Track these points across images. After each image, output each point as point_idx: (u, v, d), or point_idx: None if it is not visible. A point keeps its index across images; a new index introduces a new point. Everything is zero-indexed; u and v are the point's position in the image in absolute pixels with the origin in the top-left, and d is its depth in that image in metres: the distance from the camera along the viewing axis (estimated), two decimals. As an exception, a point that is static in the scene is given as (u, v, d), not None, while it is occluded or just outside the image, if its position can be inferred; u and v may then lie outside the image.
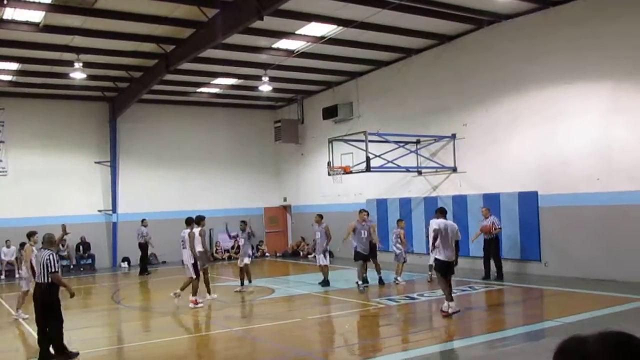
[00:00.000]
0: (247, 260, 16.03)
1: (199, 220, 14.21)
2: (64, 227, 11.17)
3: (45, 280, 8.87)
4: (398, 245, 15.90)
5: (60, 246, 23.02)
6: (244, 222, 16.62)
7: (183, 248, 13.94)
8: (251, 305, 14.16)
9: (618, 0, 14.06)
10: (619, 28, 13.96)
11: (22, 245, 14.27)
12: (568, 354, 1.33)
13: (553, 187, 15.60)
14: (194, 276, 13.59)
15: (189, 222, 14.19)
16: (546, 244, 15.93)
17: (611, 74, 14.19)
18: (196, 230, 13.90)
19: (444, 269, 11.32)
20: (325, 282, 16.05)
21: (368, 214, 16.29)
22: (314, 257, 17.69)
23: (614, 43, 14.02)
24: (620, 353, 1.28)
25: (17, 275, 15.22)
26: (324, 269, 16.18)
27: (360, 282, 15.37)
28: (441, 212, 11.70)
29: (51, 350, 8.90)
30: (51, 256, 8.95)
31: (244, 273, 16.01)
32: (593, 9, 14.49)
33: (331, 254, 17.20)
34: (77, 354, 9.06)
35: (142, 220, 21.81)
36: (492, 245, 15.90)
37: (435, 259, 11.36)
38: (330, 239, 16.29)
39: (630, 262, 13.72)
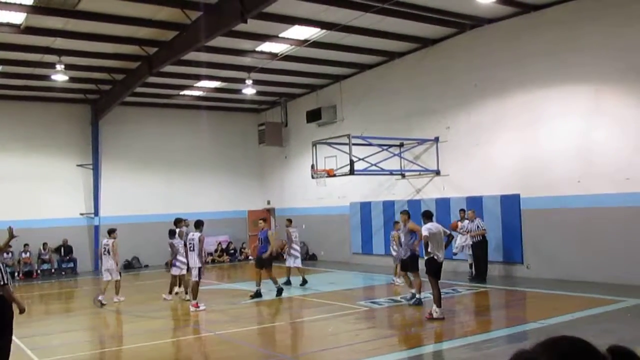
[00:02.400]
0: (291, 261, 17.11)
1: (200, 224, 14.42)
2: (10, 229, 9.78)
3: None
4: (394, 246, 15.88)
5: (42, 249, 22.83)
6: (289, 220, 17.90)
7: (191, 251, 13.88)
8: (235, 309, 14.11)
9: (599, 4, 14.21)
10: (600, 31, 14.13)
11: None
12: None
13: (535, 189, 15.73)
14: (198, 279, 13.58)
15: (199, 225, 14.12)
16: (528, 246, 16.05)
17: (592, 77, 14.35)
18: (198, 234, 13.88)
19: (438, 272, 11.37)
20: (288, 282, 16.83)
21: (409, 216, 13.20)
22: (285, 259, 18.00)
23: (595, 46, 14.19)
24: (560, 351, 1.33)
25: None
26: (303, 271, 17.07)
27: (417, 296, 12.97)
28: (427, 217, 11.73)
29: None
30: None
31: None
32: (574, 12, 14.65)
33: (314, 257, 17.25)
34: None
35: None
36: (479, 248, 15.97)
37: (429, 262, 11.34)
38: (285, 243, 17.48)
39: (611, 264, 13.87)
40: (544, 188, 15.49)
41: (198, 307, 13.33)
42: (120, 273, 15.74)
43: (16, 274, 22.18)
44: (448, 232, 11.89)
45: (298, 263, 17.12)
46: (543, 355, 1.32)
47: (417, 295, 12.79)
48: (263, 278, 14.95)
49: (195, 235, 13.80)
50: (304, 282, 16.73)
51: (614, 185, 13.91)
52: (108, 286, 15.04)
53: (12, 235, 9.67)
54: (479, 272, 16.00)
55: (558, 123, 15.14)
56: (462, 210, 16.86)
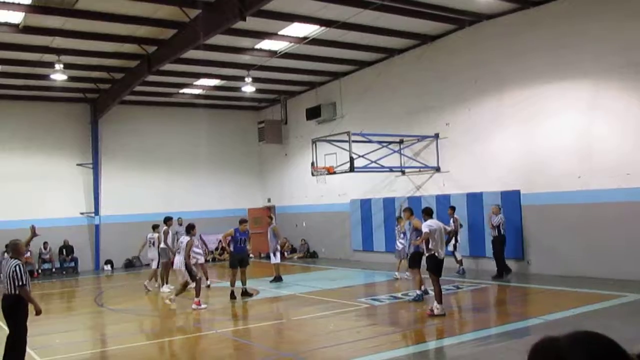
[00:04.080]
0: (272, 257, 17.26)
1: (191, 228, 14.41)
2: (32, 228, 9.76)
3: (13, 292, 8.08)
4: (400, 241, 15.87)
5: (42, 248, 22.82)
6: (270, 217, 18.31)
7: (178, 253, 14.05)
8: (236, 307, 14.11)
9: None
10: (599, 27, 14.11)
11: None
12: (541, 354, 1.35)
13: (535, 185, 15.72)
14: (190, 280, 13.61)
15: (190, 229, 14.13)
16: (529, 242, 16.06)
17: (591, 72, 14.33)
18: (187, 238, 13.91)
19: (439, 268, 11.36)
20: (276, 279, 17.10)
21: (412, 212, 13.02)
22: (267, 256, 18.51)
23: (594, 42, 14.16)
24: (590, 351, 1.31)
25: None
26: (276, 267, 17.25)
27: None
28: (427, 214, 11.69)
29: None
30: (17, 267, 8.10)
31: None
32: (573, 8, 14.63)
33: (315, 254, 17.22)
34: None
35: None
36: (497, 243, 15.62)
37: (430, 259, 11.34)
38: (280, 238, 17.69)
39: (611, 260, 13.87)
40: (544, 184, 15.49)
41: (200, 305, 13.34)
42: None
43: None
44: (449, 228, 11.92)
45: (272, 258, 17.37)
46: (574, 351, 1.30)
47: (418, 292, 12.83)
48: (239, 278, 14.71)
49: (184, 239, 13.97)
50: (278, 279, 17.20)
51: (614, 181, 13.91)
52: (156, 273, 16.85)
53: (34, 234, 9.86)
54: (500, 269, 15.57)
55: (558, 119, 15.13)
56: (451, 207, 16.85)
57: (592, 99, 14.40)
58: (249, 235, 15.17)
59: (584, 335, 1.35)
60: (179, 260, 13.82)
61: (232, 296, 14.40)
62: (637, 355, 1.32)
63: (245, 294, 14.67)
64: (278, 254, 17.32)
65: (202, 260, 16.65)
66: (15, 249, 8.45)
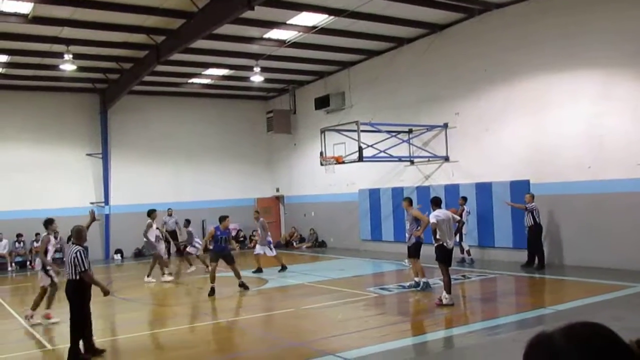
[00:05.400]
0: (268, 251, 17.17)
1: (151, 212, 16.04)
2: (92, 212, 10.02)
3: (74, 277, 8.37)
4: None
5: (53, 238, 22.94)
6: (257, 212, 18.21)
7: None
8: (245, 296, 14.18)
9: (609, -12, 14.08)
10: (609, 15, 13.98)
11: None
12: (536, 351, 1.35)
13: (545, 175, 15.65)
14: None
15: (49, 223, 12.47)
16: (538, 232, 15.99)
17: (602, 62, 14.21)
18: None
19: (448, 258, 11.36)
20: (258, 270, 17.11)
21: (411, 202, 13.20)
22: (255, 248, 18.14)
23: (605, 30, 14.04)
24: (585, 346, 1.30)
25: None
26: (259, 259, 17.29)
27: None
28: (436, 204, 11.66)
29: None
30: (78, 253, 8.33)
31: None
32: (584, -3, 14.51)
33: (324, 244, 17.20)
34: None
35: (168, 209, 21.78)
36: (534, 234, 15.20)
37: (438, 249, 11.33)
38: (267, 231, 17.60)
39: (621, 250, 13.81)
40: (554, 174, 15.42)
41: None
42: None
43: (28, 263, 22.39)
44: (458, 218, 11.90)
45: (269, 252, 17.27)
46: (568, 347, 1.30)
47: (422, 280, 12.84)
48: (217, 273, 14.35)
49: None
50: (259, 270, 17.17)
51: (624, 171, 13.82)
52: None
53: (93, 218, 10.04)
54: (532, 259, 15.20)
55: (568, 108, 15.04)
56: (463, 198, 16.84)
57: (602, 88, 14.29)
58: (230, 233, 14.94)
59: (579, 328, 1.34)
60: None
61: (212, 292, 13.76)
62: (637, 343, 1.32)
63: (243, 286, 14.33)
64: (272, 247, 17.27)
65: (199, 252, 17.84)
66: (77, 235, 8.72)
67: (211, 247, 14.41)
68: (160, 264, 16.95)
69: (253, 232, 26.93)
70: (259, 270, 17.08)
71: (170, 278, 16.90)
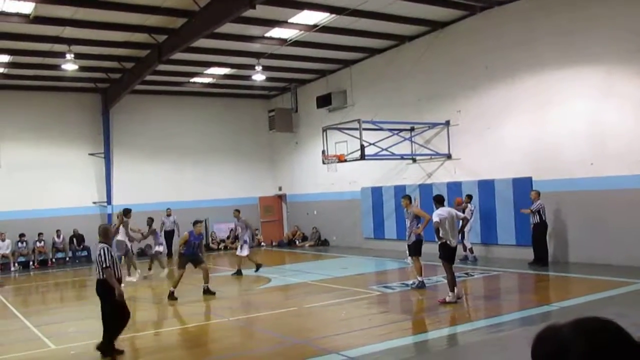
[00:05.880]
0: (245, 251, 16.78)
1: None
2: (120, 214, 10.03)
3: (100, 277, 8.56)
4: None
5: (56, 237, 23.02)
6: (237, 211, 17.49)
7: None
8: (248, 295, 14.18)
9: (611, -16, 14.04)
10: (611, 12, 13.95)
11: None
12: (544, 343, 1.35)
13: (547, 172, 15.63)
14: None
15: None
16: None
17: (604, 58, 14.18)
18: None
19: (451, 256, 11.32)
20: (238, 272, 16.87)
21: (411, 200, 13.52)
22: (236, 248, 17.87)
23: (606, 27, 14.01)
24: (593, 339, 1.29)
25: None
26: (243, 260, 16.96)
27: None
28: (438, 201, 11.58)
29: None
30: (102, 250, 8.50)
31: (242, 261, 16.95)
32: (586, -7, 14.47)
33: (326, 242, 17.23)
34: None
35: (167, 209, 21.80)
36: (538, 231, 15.14)
37: (442, 247, 11.31)
38: (248, 229, 17.33)
39: (624, 246, 13.79)
40: (556, 171, 15.39)
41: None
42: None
43: (31, 263, 22.44)
44: (462, 215, 11.87)
45: (239, 250, 17.12)
46: (577, 340, 1.29)
47: (418, 279, 12.86)
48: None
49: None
50: (258, 267, 17.06)
51: (627, 167, 13.80)
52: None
53: (122, 220, 10.13)
54: (538, 257, 15.16)
55: (570, 105, 15.01)
56: (468, 196, 16.82)
57: (604, 85, 14.27)
58: (203, 238, 14.71)
59: (587, 322, 1.34)
60: None
61: (171, 297, 13.27)
62: None
63: (208, 292, 13.74)
64: (247, 247, 16.92)
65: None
66: (103, 233, 8.89)
67: (183, 252, 13.85)
68: (129, 263, 16.71)
69: (255, 230, 27.01)
70: (238, 272, 16.88)
71: (134, 279, 16.44)
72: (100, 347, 8.64)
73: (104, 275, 8.50)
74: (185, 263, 13.73)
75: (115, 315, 8.67)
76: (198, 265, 13.89)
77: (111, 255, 8.61)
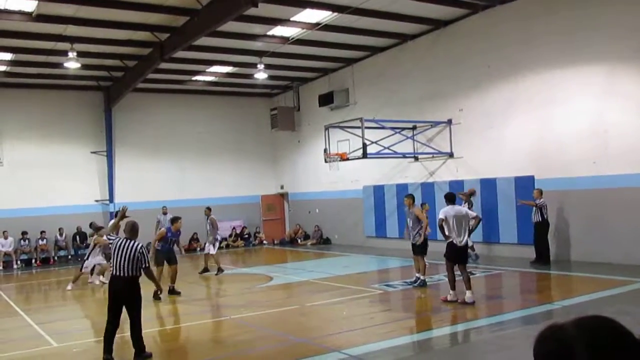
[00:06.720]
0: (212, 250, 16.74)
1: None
2: (124, 209, 9.63)
3: (132, 274, 8.08)
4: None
5: (58, 235, 23.08)
6: (208, 209, 17.73)
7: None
8: (249, 293, 14.19)
9: (613, -18, 14.02)
10: (613, 10, 13.94)
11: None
12: (546, 342, 1.35)
13: (549, 171, 15.62)
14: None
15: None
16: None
17: (606, 57, 14.17)
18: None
19: (455, 256, 11.12)
20: (204, 270, 16.98)
21: (414, 200, 13.50)
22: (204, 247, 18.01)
23: (609, 26, 13.99)
24: (595, 337, 1.30)
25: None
26: (209, 258, 16.97)
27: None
28: (448, 199, 11.38)
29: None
30: (143, 248, 8.19)
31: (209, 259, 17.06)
32: (588, -8, 14.45)
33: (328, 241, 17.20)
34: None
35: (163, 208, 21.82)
36: (539, 228, 15.13)
37: (449, 246, 11.17)
38: (217, 229, 17.13)
39: (626, 245, 13.78)
40: (558, 169, 15.38)
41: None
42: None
43: (33, 260, 22.48)
44: (474, 214, 11.69)
45: (208, 248, 17.06)
46: (580, 339, 1.30)
47: (420, 277, 12.87)
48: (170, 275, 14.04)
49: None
50: (205, 270, 17.04)
51: (629, 166, 13.79)
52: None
53: (124, 215, 9.75)
54: (540, 255, 15.12)
55: (572, 104, 14.99)
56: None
57: (607, 84, 14.25)
58: (179, 235, 14.63)
59: (589, 320, 1.34)
60: None
61: (156, 296, 12.23)
62: None
63: (173, 292, 13.59)
64: (217, 245, 16.94)
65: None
66: (132, 229, 8.37)
67: (159, 248, 13.80)
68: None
69: (257, 229, 27.03)
70: (205, 270, 16.94)
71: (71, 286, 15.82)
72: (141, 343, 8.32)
73: (139, 273, 8.13)
74: (162, 260, 13.73)
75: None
76: (170, 264, 13.80)
77: (147, 254, 8.33)
